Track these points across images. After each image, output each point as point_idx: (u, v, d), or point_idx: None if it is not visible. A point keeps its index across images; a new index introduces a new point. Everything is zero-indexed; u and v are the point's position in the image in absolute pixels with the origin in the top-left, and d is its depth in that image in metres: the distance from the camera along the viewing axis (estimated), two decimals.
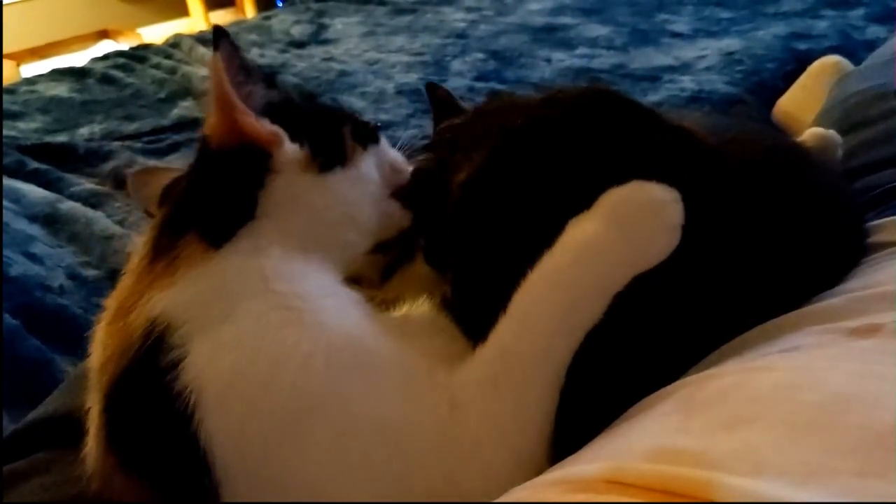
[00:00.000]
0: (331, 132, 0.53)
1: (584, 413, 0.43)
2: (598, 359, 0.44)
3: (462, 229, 0.50)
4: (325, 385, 0.42)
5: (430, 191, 0.54)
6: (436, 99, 0.68)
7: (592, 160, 0.47)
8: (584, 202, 0.45)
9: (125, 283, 0.48)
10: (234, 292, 0.44)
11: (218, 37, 0.49)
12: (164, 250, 0.46)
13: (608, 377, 0.45)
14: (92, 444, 0.44)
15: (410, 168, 0.58)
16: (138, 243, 0.50)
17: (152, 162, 1.37)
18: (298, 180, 0.50)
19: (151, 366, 0.42)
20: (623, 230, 0.43)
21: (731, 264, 0.46)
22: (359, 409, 0.42)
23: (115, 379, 0.43)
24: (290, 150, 0.50)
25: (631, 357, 0.45)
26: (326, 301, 0.46)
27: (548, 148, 0.49)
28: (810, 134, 0.74)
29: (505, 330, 0.44)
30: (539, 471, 0.40)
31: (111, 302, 0.47)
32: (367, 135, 0.56)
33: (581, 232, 0.44)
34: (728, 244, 0.46)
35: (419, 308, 0.52)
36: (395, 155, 0.58)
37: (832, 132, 0.73)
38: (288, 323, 0.43)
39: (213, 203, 0.48)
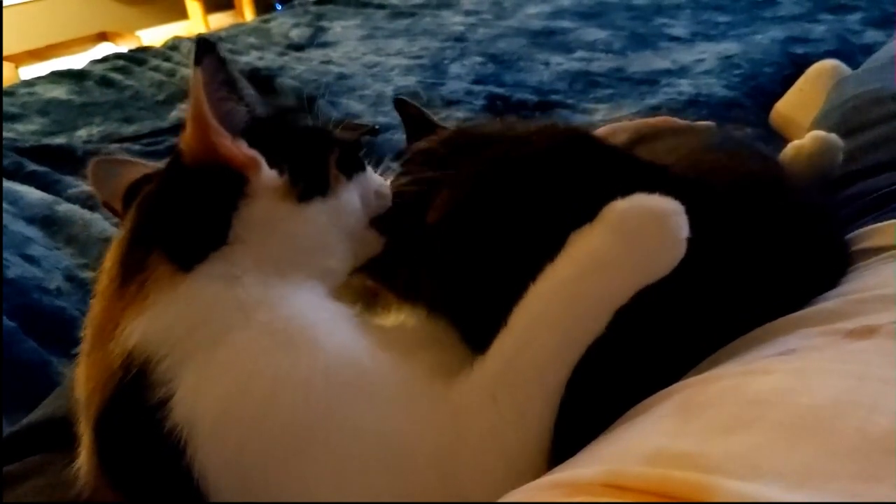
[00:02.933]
0: (315, 159, 0.51)
1: (581, 416, 0.43)
2: (596, 363, 0.44)
3: (454, 244, 0.50)
4: (325, 410, 0.41)
5: (408, 211, 0.53)
6: (407, 116, 0.68)
7: (583, 185, 0.48)
8: (578, 219, 0.45)
9: (98, 305, 0.46)
10: (215, 323, 0.42)
11: (202, 50, 0.46)
12: (133, 271, 0.45)
13: (605, 381, 0.45)
14: (84, 461, 0.44)
15: (391, 192, 0.55)
16: (107, 258, 0.48)
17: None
18: (275, 207, 0.47)
19: (137, 401, 0.41)
20: (629, 243, 0.43)
21: (711, 282, 0.46)
22: (360, 431, 0.41)
23: (102, 412, 0.42)
24: (267, 176, 0.48)
25: (627, 361, 0.45)
26: (316, 318, 0.45)
27: (541, 172, 0.49)
28: (812, 137, 0.74)
29: (506, 343, 0.44)
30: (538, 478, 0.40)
31: (88, 328, 0.46)
32: (354, 163, 0.53)
33: (586, 245, 0.44)
34: (703, 268, 0.46)
35: (413, 316, 0.52)
36: (379, 181, 0.55)
37: (834, 136, 0.73)
38: (278, 347, 0.42)
39: (183, 222, 0.46)
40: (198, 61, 0.45)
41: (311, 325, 0.44)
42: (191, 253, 0.45)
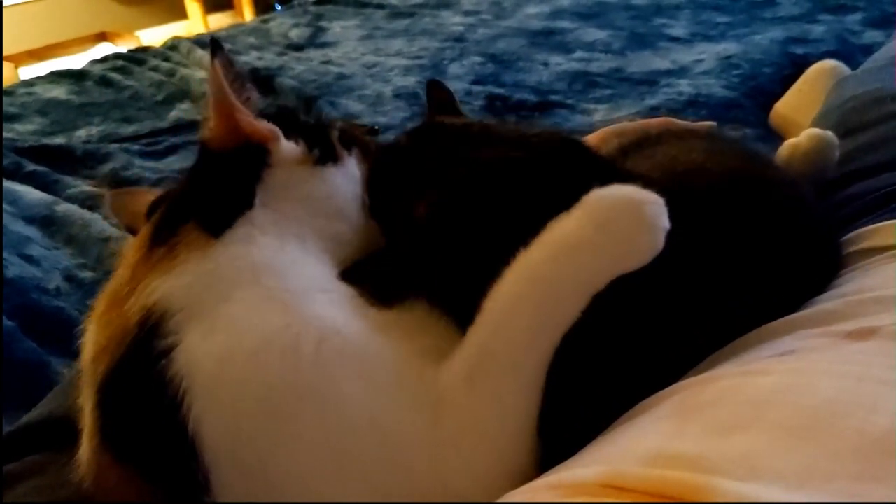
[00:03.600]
0: (321, 134, 0.57)
1: (580, 417, 0.43)
2: (594, 363, 0.44)
3: (441, 237, 0.50)
4: (312, 370, 0.42)
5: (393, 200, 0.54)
6: (434, 99, 0.68)
7: (569, 176, 0.49)
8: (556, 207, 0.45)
9: (119, 274, 0.48)
10: (225, 280, 0.45)
11: (216, 46, 0.52)
12: (164, 238, 0.47)
13: (604, 381, 0.45)
14: (86, 443, 0.44)
15: None
16: (132, 242, 0.50)
17: (149, 164, 1.37)
18: (295, 171, 0.53)
19: (146, 354, 0.42)
20: (602, 227, 0.43)
21: (706, 282, 0.46)
22: (347, 397, 0.42)
23: (110, 369, 0.43)
24: (286, 145, 0.53)
25: (626, 362, 0.45)
26: (316, 295, 0.47)
27: (528, 175, 0.50)
28: (807, 135, 0.74)
29: (481, 327, 0.44)
30: (524, 469, 0.40)
31: (102, 296, 0.47)
32: (349, 140, 0.59)
33: (559, 229, 0.44)
34: (698, 268, 0.46)
35: (414, 305, 0.52)
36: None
37: (829, 133, 0.73)
38: (275, 310, 0.44)
39: (213, 197, 0.50)
40: (213, 54, 0.51)
41: (310, 295, 0.46)
42: (220, 220, 0.48)
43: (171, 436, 0.40)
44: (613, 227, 0.43)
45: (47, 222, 1.14)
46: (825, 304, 0.47)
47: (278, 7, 3.17)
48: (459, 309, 0.48)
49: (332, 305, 0.46)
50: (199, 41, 2.00)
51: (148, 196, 0.60)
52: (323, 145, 0.56)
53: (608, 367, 0.45)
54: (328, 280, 0.50)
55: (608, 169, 0.53)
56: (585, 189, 0.45)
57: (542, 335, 0.43)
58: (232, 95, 0.51)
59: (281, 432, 0.40)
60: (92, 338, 0.46)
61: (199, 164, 0.54)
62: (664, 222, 0.43)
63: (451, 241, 0.49)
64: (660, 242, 0.42)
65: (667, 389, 0.41)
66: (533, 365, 0.43)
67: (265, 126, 0.52)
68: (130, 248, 0.50)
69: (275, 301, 0.44)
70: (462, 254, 0.49)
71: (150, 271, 0.45)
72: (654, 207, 0.43)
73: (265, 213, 0.50)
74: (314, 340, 0.42)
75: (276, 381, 0.41)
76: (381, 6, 2.25)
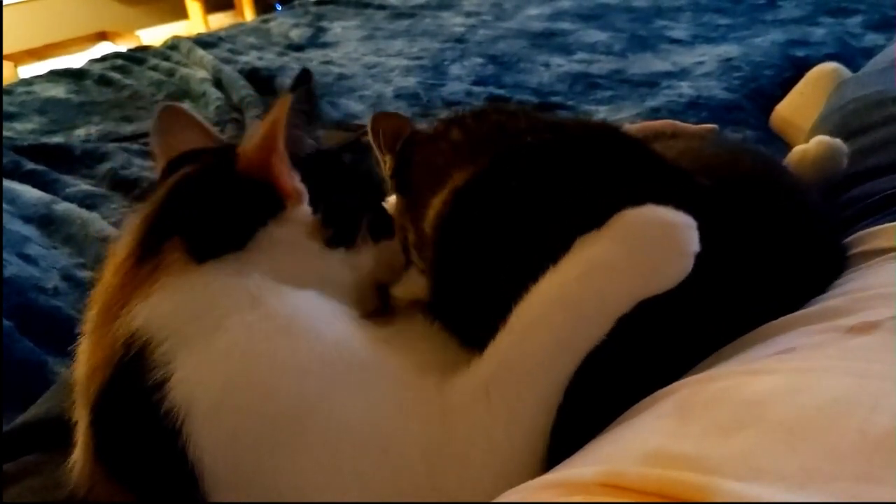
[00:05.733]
0: (349, 217, 0.54)
1: (579, 416, 0.43)
2: (594, 362, 0.44)
3: (455, 239, 0.50)
4: (318, 394, 0.42)
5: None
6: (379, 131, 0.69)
7: (597, 184, 0.48)
8: (585, 221, 0.44)
9: (108, 280, 0.47)
10: (219, 308, 0.43)
11: (302, 79, 0.50)
12: (149, 253, 0.46)
13: (604, 380, 0.44)
14: (79, 454, 0.44)
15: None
16: (128, 230, 0.49)
17: (149, 163, 1.37)
18: (298, 239, 0.50)
19: (136, 383, 0.41)
20: (633, 251, 0.43)
21: (709, 281, 0.46)
22: (350, 418, 0.42)
23: (100, 392, 0.43)
24: (303, 212, 0.50)
25: (626, 360, 0.45)
26: (314, 311, 0.46)
27: (556, 166, 0.49)
28: (816, 142, 0.74)
29: (502, 342, 0.44)
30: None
31: (94, 305, 0.47)
32: (384, 230, 0.57)
33: (589, 249, 0.44)
34: (701, 267, 0.46)
35: (413, 320, 0.52)
36: (397, 252, 0.58)
37: (838, 141, 0.73)
38: (279, 333, 0.43)
39: (211, 218, 0.48)
40: (293, 88, 0.49)
41: (311, 315, 0.45)
42: (208, 248, 0.46)
43: (167, 462, 0.40)
44: (645, 251, 0.43)
45: (46, 221, 1.14)
46: (826, 301, 0.47)
47: (279, 7, 3.17)
48: (472, 317, 0.48)
49: (329, 321, 0.46)
50: (198, 41, 2.01)
51: (190, 135, 0.59)
52: (343, 229, 0.53)
53: (608, 366, 0.44)
54: (324, 300, 0.48)
55: (649, 159, 0.52)
56: (615, 182, 0.44)
57: (563, 355, 0.43)
58: (282, 140, 0.48)
59: (286, 454, 0.40)
60: (85, 354, 0.45)
61: (216, 169, 0.51)
62: (696, 246, 0.42)
63: (470, 244, 0.49)
64: (690, 266, 0.42)
65: (667, 388, 0.40)
66: (551, 383, 0.43)
67: (294, 185, 0.50)
68: (121, 244, 0.48)
69: (274, 320, 0.43)
70: (479, 257, 0.48)
71: (134, 291, 0.44)
72: (688, 232, 0.43)
73: (255, 258, 0.47)
74: (319, 362, 0.42)
75: (285, 408, 0.41)
76: (381, 7, 2.25)
